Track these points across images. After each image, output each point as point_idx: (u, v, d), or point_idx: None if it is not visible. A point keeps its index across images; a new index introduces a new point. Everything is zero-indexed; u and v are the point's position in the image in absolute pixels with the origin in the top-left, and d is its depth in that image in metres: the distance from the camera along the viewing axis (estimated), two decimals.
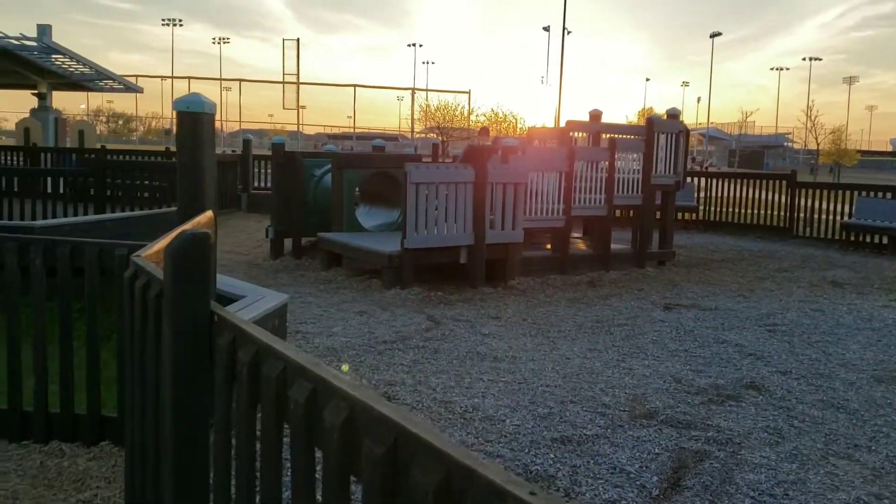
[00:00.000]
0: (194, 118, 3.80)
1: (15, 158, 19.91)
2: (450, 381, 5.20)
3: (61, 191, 13.20)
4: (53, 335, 3.99)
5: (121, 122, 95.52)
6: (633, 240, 10.89)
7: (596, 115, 11.91)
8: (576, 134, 11.46)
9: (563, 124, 12.35)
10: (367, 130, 75.66)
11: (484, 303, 7.94)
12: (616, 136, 10.79)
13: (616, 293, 8.81)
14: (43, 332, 3.99)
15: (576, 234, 11.18)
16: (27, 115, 28.45)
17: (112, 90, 32.62)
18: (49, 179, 13.66)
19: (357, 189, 10.59)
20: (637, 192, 10.60)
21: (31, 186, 12.65)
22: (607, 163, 10.19)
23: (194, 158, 3.87)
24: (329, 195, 10.38)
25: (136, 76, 56.96)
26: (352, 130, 75.80)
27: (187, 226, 2.78)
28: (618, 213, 12.76)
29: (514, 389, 5.07)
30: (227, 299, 4.93)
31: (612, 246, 10.36)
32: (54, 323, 3.98)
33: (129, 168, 13.82)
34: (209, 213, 3.74)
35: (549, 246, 10.35)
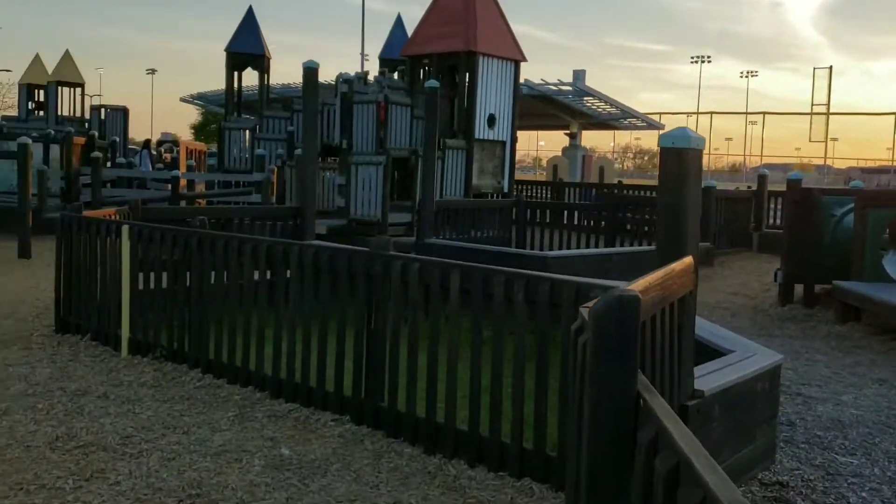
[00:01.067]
0: (679, 154, 3.47)
1: (543, 192, 22.37)
2: None
3: (576, 222, 14.11)
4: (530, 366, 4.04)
5: (646, 158, 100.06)
6: None
7: None
8: None
9: None
10: None
11: None
12: None
13: None
14: (522, 364, 4.06)
15: None
16: (559, 153, 31.50)
17: (635, 128, 34.08)
18: (566, 212, 14.73)
19: (886, 232, 9.10)
20: None
21: (555, 218, 13.77)
22: None
23: (677, 197, 3.54)
24: (850, 238, 9.12)
25: (660, 114, 58.71)
26: (890, 164, 66.98)
27: (648, 278, 2.46)
28: None
29: None
30: (711, 352, 4.49)
31: None
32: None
33: (638, 203, 14.13)
34: (688, 260, 3.38)
35: None
